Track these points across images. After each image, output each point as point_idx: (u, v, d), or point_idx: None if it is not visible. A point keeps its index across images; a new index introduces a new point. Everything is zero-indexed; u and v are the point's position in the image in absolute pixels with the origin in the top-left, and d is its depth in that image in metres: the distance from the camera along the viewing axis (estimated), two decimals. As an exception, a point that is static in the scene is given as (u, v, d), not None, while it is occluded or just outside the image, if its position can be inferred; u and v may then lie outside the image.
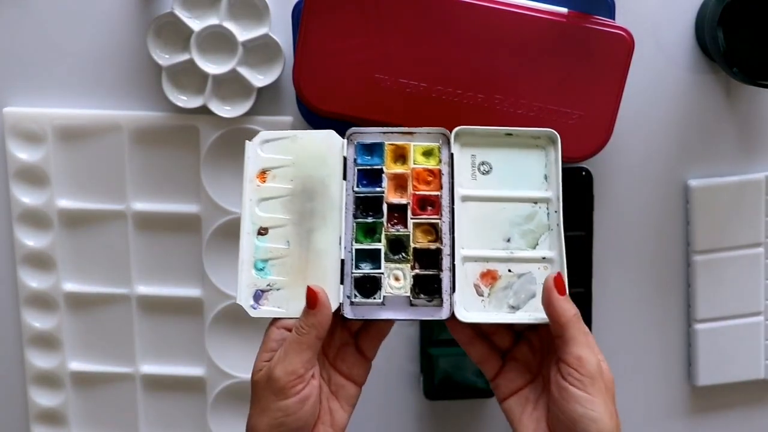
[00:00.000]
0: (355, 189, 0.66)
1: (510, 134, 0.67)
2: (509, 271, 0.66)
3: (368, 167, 0.67)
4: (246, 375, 0.82)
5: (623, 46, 0.70)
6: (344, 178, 0.66)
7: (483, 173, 0.67)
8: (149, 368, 0.83)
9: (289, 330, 0.63)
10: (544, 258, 0.65)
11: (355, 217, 0.66)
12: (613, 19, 0.73)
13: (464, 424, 0.84)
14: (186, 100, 0.77)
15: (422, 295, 0.65)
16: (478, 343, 0.66)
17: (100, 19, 0.78)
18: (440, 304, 0.65)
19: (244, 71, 0.76)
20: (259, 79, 0.77)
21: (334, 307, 0.63)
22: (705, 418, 0.83)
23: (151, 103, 0.79)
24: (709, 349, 0.81)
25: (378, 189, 0.66)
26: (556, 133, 0.65)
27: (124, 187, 0.80)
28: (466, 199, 0.66)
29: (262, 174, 0.67)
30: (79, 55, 0.79)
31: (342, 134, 0.66)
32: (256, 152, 0.67)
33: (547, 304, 0.62)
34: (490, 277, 0.66)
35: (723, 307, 0.81)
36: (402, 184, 0.67)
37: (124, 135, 0.79)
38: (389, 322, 0.66)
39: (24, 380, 0.84)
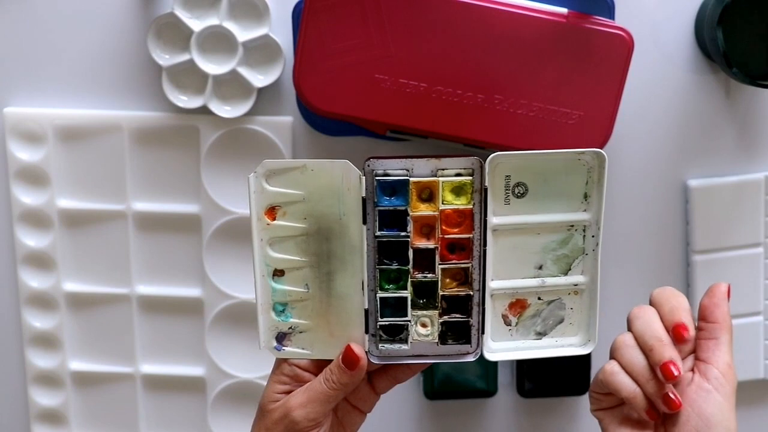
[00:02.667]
0: (377, 234, 0.61)
1: (551, 154, 0.62)
2: (539, 299, 0.64)
3: (391, 208, 0.61)
4: (246, 375, 0.82)
5: (623, 46, 0.70)
6: (363, 221, 0.61)
7: (517, 196, 0.63)
8: (149, 368, 0.83)
9: (299, 366, 0.63)
10: (575, 285, 0.64)
11: (378, 263, 0.62)
12: (613, 19, 0.73)
13: (464, 424, 0.84)
14: (186, 101, 0.77)
15: (450, 341, 0.63)
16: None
17: (100, 19, 0.78)
18: (470, 346, 0.63)
19: (244, 71, 0.76)
20: (259, 79, 0.77)
21: (362, 354, 0.62)
22: (705, 418, 0.83)
23: (151, 103, 0.79)
24: (709, 349, 0.81)
25: (402, 234, 0.61)
26: (603, 153, 0.62)
27: (125, 187, 0.80)
28: (498, 229, 0.63)
29: (271, 211, 0.62)
30: (80, 55, 0.79)
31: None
32: (262, 186, 0.61)
33: (715, 306, 0.62)
34: (518, 306, 0.64)
35: (723, 307, 0.81)
36: (428, 223, 0.62)
37: (124, 135, 0.79)
38: (410, 371, 0.64)
39: (24, 380, 0.84)
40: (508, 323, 0.64)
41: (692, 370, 0.62)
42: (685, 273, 0.81)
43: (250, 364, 0.81)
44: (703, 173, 0.80)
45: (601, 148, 0.71)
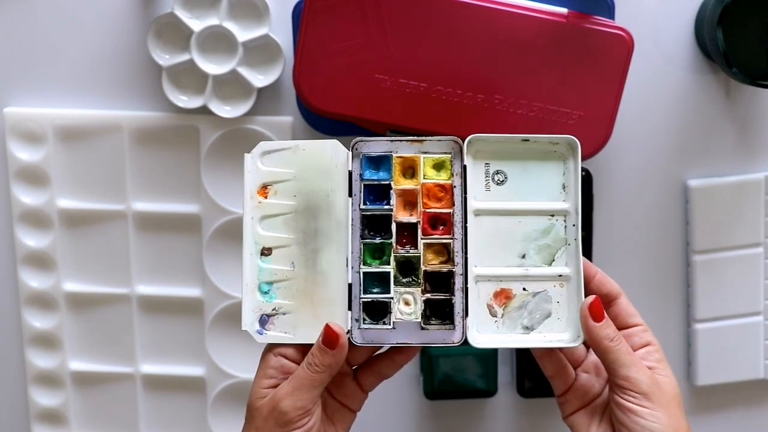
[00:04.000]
0: (362, 207, 0.63)
1: (527, 140, 0.63)
2: (524, 289, 0.64)
3: (375, 182, 0.63)
4: (246, 375, 0.82)
5: (623, 46, 0.70)
6: (350, 194, 0.63)
7: (497, 183, 0.64)
8: (149, 368, 0.83)
9: (286, 357, 0.63)
10: (560, 275, 0.64)
11: (362, 237, 0.63)
12: (613, 19, 0.73)
13: (464, 424, 0.84)
14: (186, 101, 0.77)
15: (433, 320, 0.63)
16: (554, 355, 0.65)
17: (101, 19, 0.78)
18: (452, 328, 0.63)
19: (244, 71, 0.76)
20: (259, 79, 0.77)
21: (342, 332, 0.61)
22: (705, 418, 0.83)
23: (151, 103, 0.79)
24: (709, 349, 0.81)
25: (386, 206, 0.63)
26: (575, 139, 0.63)
27: (125, 187, 0.80)
28: (479, 213, 0.64)
29: (263, 189, 0.64)
30: (80, 55, 0.79)
31: (346, 141, 0.63)
32: (256, 165, 0.64)
33: (585, 332, 0.61)
34: (503, 296, 0.64)
35: (723, 307, 0.81)
36: (411, 200, 0.64)
37: (124, 135, 0.79)
38: (394, 365, 0.64)
39: (24, 380, 0.84)
40: (493, 314, 0.64)
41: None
42: (685, 273, 0.81)
43: (250, 364, 0.81)
44: (703, 173, 0.80)
45: (601, 148, 0.72)
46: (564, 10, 0.70)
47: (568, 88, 0.70)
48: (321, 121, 0.77)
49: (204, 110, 0.77)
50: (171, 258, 0.82)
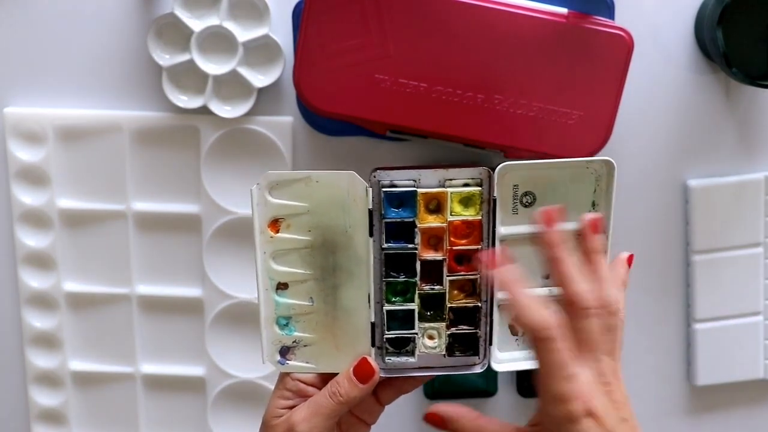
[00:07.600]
0: (384, 246, 0.60)
1: (560, 164, 0.61)
2: None
3: (398, 220, 0.60)
4: (246, 375, 0.82)
5: (623, 46, 0.70)
6: (370, 233, 0.60)
7: (525, 205, 0.62)
8: (149, 368, 0.83)
9: (303, 381, 0.62)
10: None
11: (385, 275, 0.61)
12: (613, 19, 0.73)
13: (464, 424, 0.84)
14: (186, 101, 0.77)
15: (458, 352, 0.62)
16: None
17: (101, 19, 0.78)
18: (477, 357, 0.62)
19: (244, 71, 0.76)
20: (260, 79, 0.77)
21: (377, 368, 0.61)
22: (704, 418, 0.83)
23: (151, 103, 0.79)
24: (709, 349, 0.81)
25: (410, 246, 0.60)
26: (612, 161, 0.61)
27: (125, 187, 0.80)
28: (505, 239, 0.62)
29: (275, 223, 0.61)
30: (80, 55, 0.79)
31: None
32: (265, 198, 0.60)
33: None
34: None
35: (722, 306, 0.81)
36: (436, 234, 0.61)
37: (124, 135, 0.79)
38: (416, 382, 0.64)
39: (25, 380, 0.84)
40: (514, 333, 0.64)
41: None
42: (685, 273, 0.81)
43: (250, 364, 0.81)
44: (703, 173, 0.80)
45: (601, 148, 0.72)
46: (564, 10, 0.70)
47: (568, 88, 0.70)
48: (321, 121, 0.77)
49: (204, 110, 0.77)
50: (171, 258, 0.82)
